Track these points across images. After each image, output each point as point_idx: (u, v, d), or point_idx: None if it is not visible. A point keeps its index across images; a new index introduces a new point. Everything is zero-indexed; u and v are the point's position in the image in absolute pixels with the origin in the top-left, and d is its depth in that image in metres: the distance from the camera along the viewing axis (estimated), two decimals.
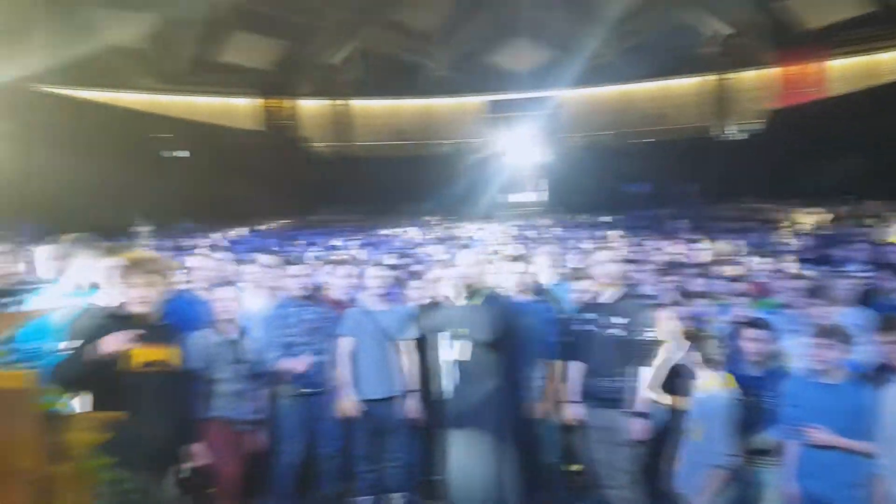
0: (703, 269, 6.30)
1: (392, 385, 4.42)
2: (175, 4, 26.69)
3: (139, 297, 3.14)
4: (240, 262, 5.60)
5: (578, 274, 4.96)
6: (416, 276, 5.53)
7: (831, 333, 3.33)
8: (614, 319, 4.02)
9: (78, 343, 3.04)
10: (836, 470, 3.24)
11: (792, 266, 6.36)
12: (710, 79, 33.99)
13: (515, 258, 4.77)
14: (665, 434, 3.86)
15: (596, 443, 4.06)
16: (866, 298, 4.81)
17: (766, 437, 3.54)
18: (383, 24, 33.65)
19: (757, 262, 6.90)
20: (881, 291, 5.02)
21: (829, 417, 3.24)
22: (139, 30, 28.28)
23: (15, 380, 1.93)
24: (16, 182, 14.90)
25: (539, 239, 12.86)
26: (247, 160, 24.76)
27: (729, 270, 6.40)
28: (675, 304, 4.64)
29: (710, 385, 3.58)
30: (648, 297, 4.73)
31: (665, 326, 4.15)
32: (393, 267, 5.49)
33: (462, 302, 4.10)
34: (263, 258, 5.10)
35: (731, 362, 3.71)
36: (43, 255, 4.23)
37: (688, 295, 5.03)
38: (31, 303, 3.78)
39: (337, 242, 14.07)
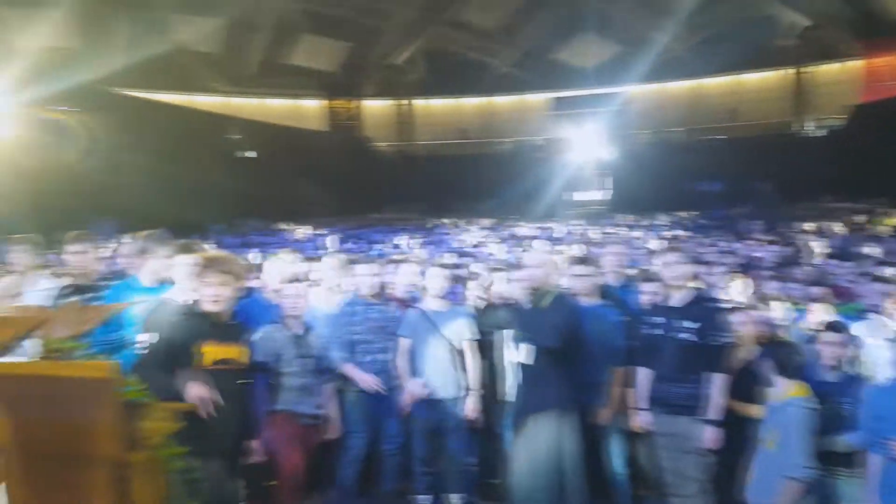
0: (778, 272, 6.05)
1: (453, 385, 4.42)
2: (245, 8, 27.57)
3: (213, 295, 3.26)
4: (309, 259, 5.70)
5: (646, 276, 4.82)
6: (476, 276, 5.50)
7: None
8: (685, 324, 3.88)
9: (154, 337, 3.17)
10: None
11: (875, 269, 6.05)
12: (788, 72, 32.45)
13: (581, 259, 4.67)
14: (737, 443, 3.71)
15: (664, 450, 3.93)
16: None
17: (846, 441, 3.37)
18: (448, 23, 33.74)
19: (837, 265, 6.59)
20: None
21: None
22: (211, 34, 29.32)
23: (98, 370, 2.02)
24: (97, 181, 15.70)
25: (604, 239, 12.62)
26: (313, 160, 25.33)
27: (806, 273, 6.13)
28: (750, 307, 4.45)
29: (786, 392, 3.42)
30: (720, 300, 4.55)
31: (738, 331, 4.00)
32: (454, 266, 5.48)
33: (528, 304, 4.02)
34: (332, 257, 5.18)
35: (808, 368, 3.55)
36: (121, 251, 4.42)
37: (763, 298, 4.85)
38: (111, 297, 3.95)
39: (400, 241, 14.23)
